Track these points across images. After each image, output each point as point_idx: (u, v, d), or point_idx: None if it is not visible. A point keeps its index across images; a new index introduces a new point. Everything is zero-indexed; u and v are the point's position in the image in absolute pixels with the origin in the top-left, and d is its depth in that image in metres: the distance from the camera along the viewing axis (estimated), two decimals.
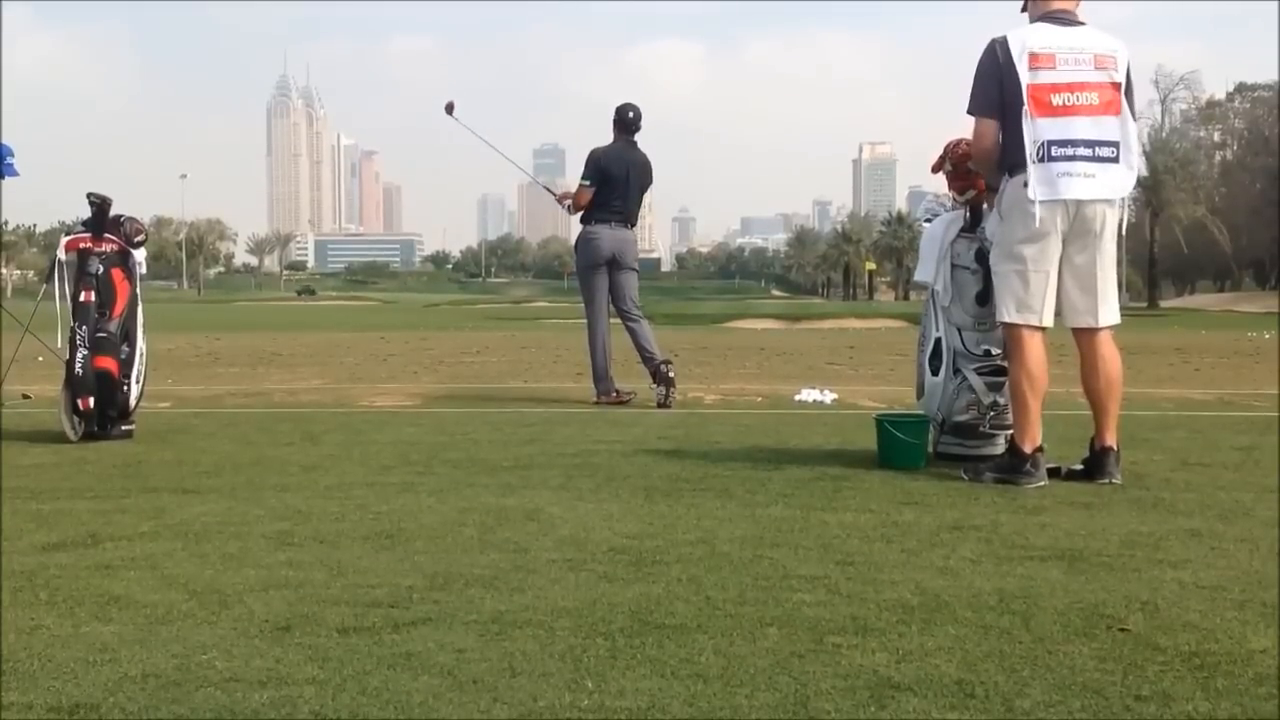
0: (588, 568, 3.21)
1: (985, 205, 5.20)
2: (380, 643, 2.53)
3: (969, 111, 4.77)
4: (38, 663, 2.41)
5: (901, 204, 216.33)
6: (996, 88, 4.63)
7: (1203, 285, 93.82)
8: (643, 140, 8.43)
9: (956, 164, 5.31)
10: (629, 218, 8.28)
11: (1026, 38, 4.63)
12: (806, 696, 2.20)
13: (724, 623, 2.68)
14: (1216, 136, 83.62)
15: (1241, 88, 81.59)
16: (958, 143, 5.37)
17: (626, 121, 8.31)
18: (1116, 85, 4.60)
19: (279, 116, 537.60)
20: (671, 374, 7.93)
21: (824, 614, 2.75)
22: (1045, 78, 4.55)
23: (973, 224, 5.23)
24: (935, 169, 5.43)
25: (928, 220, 5.78)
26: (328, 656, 2.44)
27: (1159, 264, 73.13)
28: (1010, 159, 4.65)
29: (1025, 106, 4.54)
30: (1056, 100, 4.54)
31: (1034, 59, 4.57)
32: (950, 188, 5.42)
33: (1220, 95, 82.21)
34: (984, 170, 5.01)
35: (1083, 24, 4.71)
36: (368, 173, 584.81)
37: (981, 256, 5.16)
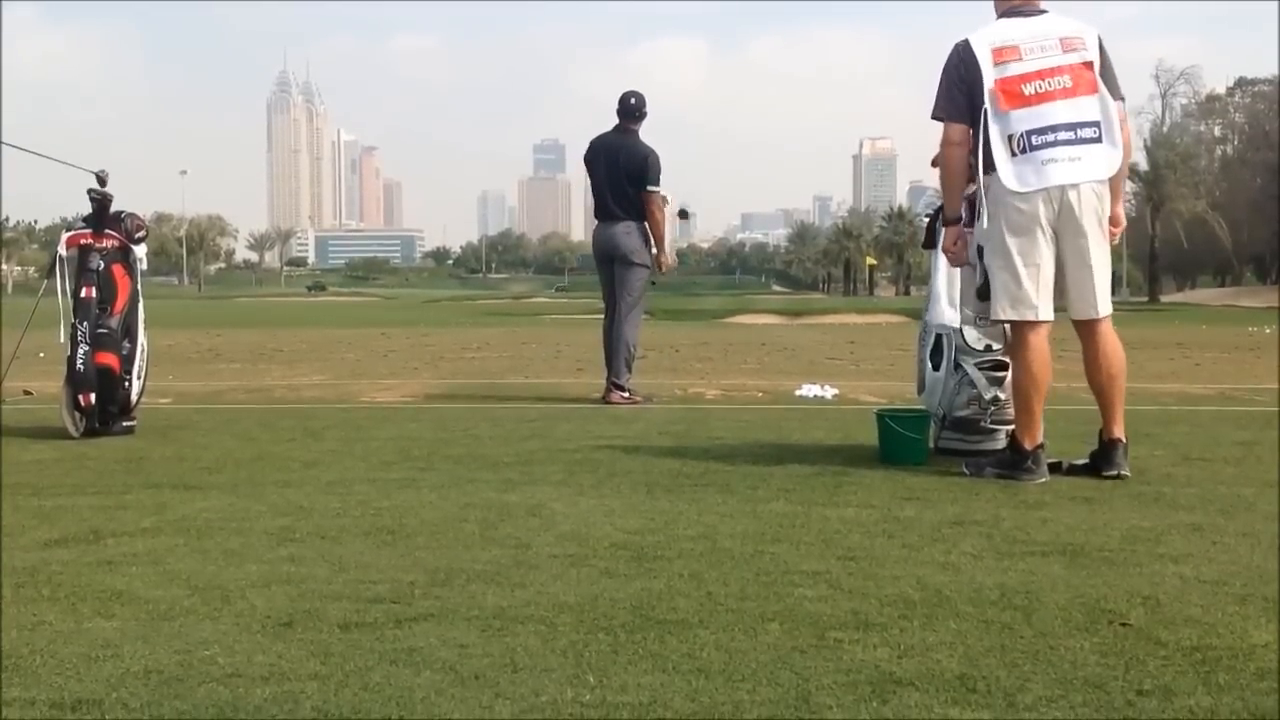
0: (589, 563, 3.21)
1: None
2: (382, 638, 2.53)
3: (935, 117, 4.71)
4: (40, 659, 2.41)
5: (902, 199, 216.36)
6: (964, 92, 4.60)
7: (1203, 280, 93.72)
8: (644, 134, 8.21)
9: (940, 176, 5.30)
10: (608, 212, 8.05)
11: (988, 35, 4.62)
12: (808, 691, 2.20)
13: (725, 618, 2.68)
14: (1217, 131, 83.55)
15: (1242, 82, 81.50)
16: None
17: (620, 108, 8.18)
18: (1089, 64, 4.56)
19: (279, 112, 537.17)
20: (612, 398, 7.82)
21: (825, 609, 2.75)
22: (1014, 69, 4.52)
23: (971, 219, 5.22)
24: (935, 163, 5.42)
25: (928, 215, 5.78)
26: (329, 652, 2.44)
27: (1160, 259, 73.01)
28: (989, 157, 4.59)
29: (994, 103, 4.51)
30: (1029, 89, 4.51)
31: (998, 54, 4.54)
32: None
33: (1220, 90, 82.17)
34: (951, 178, 4.80)
35: (1045, 11, 4.69)
36: (368, 169, 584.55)
37: (982, 251, 5.16)
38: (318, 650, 2.45)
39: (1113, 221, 4.74)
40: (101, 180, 6.33)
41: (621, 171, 8.00)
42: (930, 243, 5.47)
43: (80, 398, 6.05)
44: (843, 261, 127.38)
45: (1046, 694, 2.19)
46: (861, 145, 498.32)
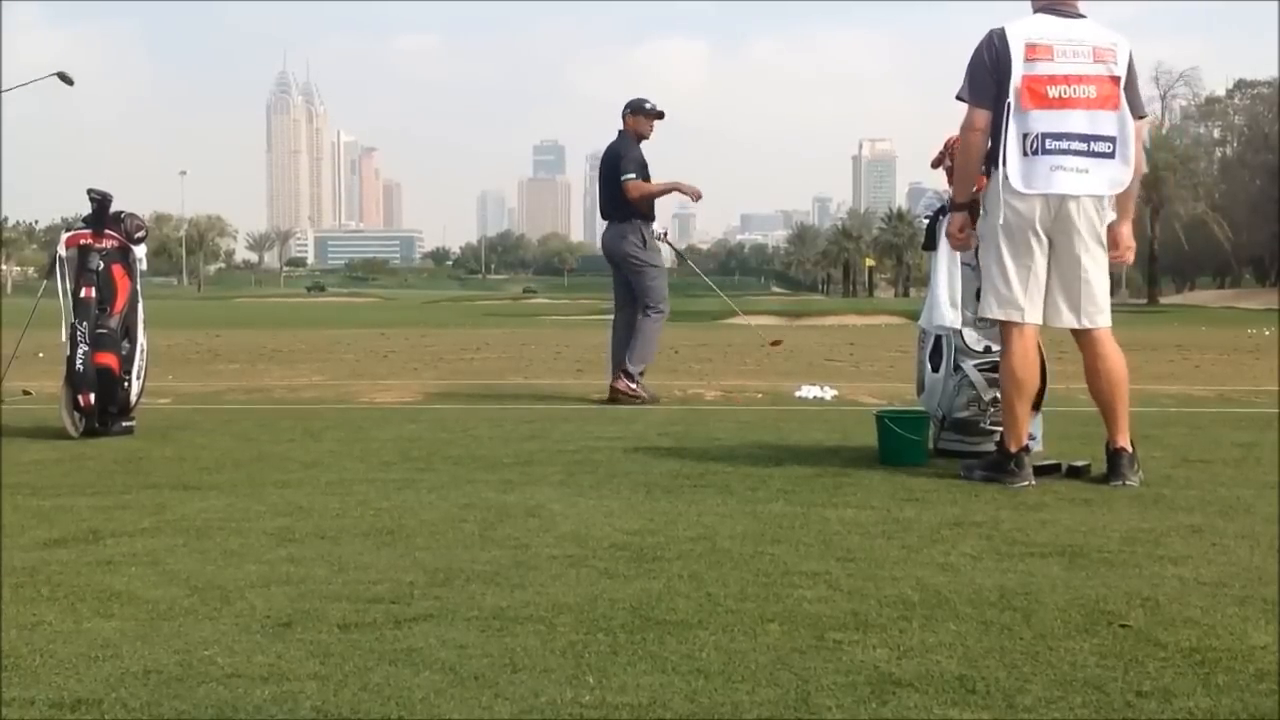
0: (589, 564, 3.21)
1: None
2: (381, 639, 2.53)
3: (960, 97, 4.63)
4: (39, 658, 2.41)
5: (901, 200, 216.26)
6: (991, 79, 4.53)
7: (1203, 282, 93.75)
8: None
9: (956, 160, 5.30)
10: (604, 212, 8.15)
11: (1024, 28, 4.55)
12: (807, 692, 2.20)
13: (725, 619, 2.68)
14: (1216, 133, 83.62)
15: (1241, 84, 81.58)
16: (958, 139, 5.37)
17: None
18: (1115, 79, 4.51)
19: (279, 113, 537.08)
20: (618, 385, 7.84)
21: (825, 610, 2.75)
22: (1043, 69, 4.46)
23: (972, 220, 5.23)
24: (935, 164, 5.43)
25: (928, 217, 5.78)
26: (329, 652, 2.44)
27: (1159, 260, 72.99)
28: (996, 152, 4.54)
29: (1017, 99, 4.44)
30: (1053, 92, 4.45)
31: (1031, 50, 4.47)
32: (950, 183, 5.42)
33: (1220, 92, 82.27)
34: (967, 160, 4.73)
35: (1083, 16, 4.62)
36: (367, 169, 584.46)
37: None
38: (317, 650, 2.45)
39: (1120, 242, 4.70)
40: (65, 79, 6.30)
41: (607, 172, 8.13)
42: (930, 244, 5.47)
43: (80, 398, 6.05)
44: (842, 263, 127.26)
45: (1046, 695, 2.19)
46: (861, 147, 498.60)
